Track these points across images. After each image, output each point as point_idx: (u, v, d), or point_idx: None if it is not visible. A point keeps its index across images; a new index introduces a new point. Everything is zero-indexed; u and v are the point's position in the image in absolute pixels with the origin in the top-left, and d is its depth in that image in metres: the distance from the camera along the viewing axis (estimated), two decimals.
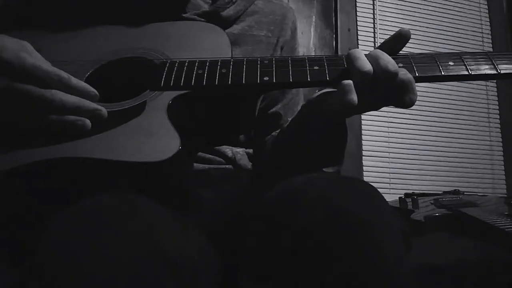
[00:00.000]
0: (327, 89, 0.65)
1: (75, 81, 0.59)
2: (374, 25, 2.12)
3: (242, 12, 0.83)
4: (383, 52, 0.59)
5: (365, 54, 0.60)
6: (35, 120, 0.57)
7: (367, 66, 0.58)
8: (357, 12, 2.12)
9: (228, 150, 0.79)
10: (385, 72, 0.57)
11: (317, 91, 0.67)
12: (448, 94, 2.15)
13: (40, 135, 0.57)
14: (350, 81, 0.58)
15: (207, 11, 0.79)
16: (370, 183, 0.55)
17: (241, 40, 0.81)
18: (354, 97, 0.57)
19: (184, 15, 0.78)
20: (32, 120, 0.57)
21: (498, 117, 2.21)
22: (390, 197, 1.68)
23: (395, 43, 0.63)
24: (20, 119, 0.57)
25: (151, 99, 0.62)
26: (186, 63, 0.65)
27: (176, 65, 0.65)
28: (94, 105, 0.59)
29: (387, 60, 0.58)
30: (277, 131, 0.84)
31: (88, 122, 0.57)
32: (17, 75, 0.55)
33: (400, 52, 0.64)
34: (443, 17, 2.23)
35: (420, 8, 2.21)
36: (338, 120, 0.68)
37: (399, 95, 0.58)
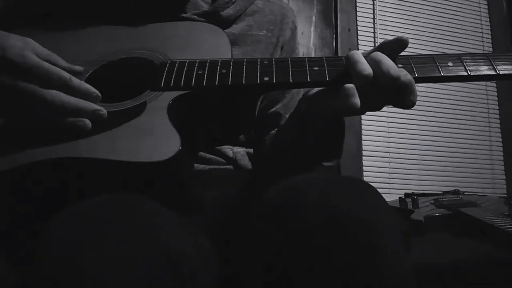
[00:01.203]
0: (320, 88, 0.65)
1: (76, 81, 0.59)
2: (374, 25, 2.12)
3: (241, 12, 0.83)
4: (384, 55, 0.59)
5: (365, 56, 0.60)
6: (34, 120, 0.57)
7: (368, 69, 0.58)
8: (357, 12, 2.12)
9: (228, 150, 0.79)
10: (387, 76, 0.57)
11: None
12: (448, 94, 2.15)
13: (40, 135, 0.57)
14: (353, 85, 0.58)
15: (207, 11, 0.79)
16: (370, 183, 0.55)
17: (241, 40, 0.81)
18: (357, 100, 0.57)
19: (183, 15, 0.78)
20: (32, 120, 0.57)
21: (498, 117, 2.21)
22: (390, 197, 1.69)
23: (394, 47, 0.63)
24: (20, 118, 0.58)
25: (151, 99, 0.62)
26: (186, 64, 0.65)
27: (176, 65, 0.65)
28: (94, 106, 0.59)
29: (389, 64, 0.58)
30: (275, 130, 0.84)
31: (88, 122, 0.57)
32: (19, 74, 0.55)
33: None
34: (443, 17, 2.23)
35: (420, 8, 2.21)
36: (337, 119, 0.68)
37: (399, 96, 0.58)
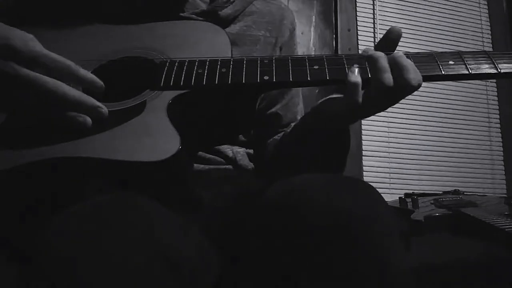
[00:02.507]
0: (332, 95, 0.65)
1: (83, 71, 0.59)
2: (374, 25, 2.12)
3: (240, 12, 0.83)
4: (411, 63, 0.59)
5: (389, 57, 0.60)
6: (34, 110, 0.57)
7: (391, 80, 0.58)
8: (357, 12, 2.12)
9: (228, 150, 0.79)
10: (407, 86, 0.58)
11: (316, 91, 0.67)
12: (448, 94, 2.15)
13: (40, 133, 0.57)
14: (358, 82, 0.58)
15: (205, 10, 0.79)
16: (370, 183, 0.55)
17: (239, 40, 0.81)
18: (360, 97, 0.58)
19: (182, 14, 0.78)
20: (32, 110, 0.57)
21: (498, 117, 2.21)
22: (390, 197, 1.68)
23: (389, 42, 0.63)
24: (21, 108, 0.57)
25: (151, 99, 0.62)
26: (186, 63, 0.65)
27: (176, 64, 0.65)
28: (96, 103, 0.58)
29: (414, 74, 0.58)
30: (279, 135, 0.84)
31: (88, 119, 0.57)
32: (24, 62, 0.55)
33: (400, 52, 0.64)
34: (443, 17, 2.23)
35: (420, 8, 2.21)
36: (343, 126, 0.68)
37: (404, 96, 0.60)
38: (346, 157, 0.72)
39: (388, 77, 0.58)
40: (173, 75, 0.64)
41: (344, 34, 2.04)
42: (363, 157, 1.98)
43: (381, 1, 2.17)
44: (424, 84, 0.60)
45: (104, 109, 0.59)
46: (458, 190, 1.36)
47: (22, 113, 0.58)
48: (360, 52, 2.07)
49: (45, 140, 0.57)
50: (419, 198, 1.23)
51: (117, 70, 0.69)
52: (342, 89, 0.65)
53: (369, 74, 0.60)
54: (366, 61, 0.61)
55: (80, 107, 0.57)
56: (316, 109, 0.68)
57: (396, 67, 0.59)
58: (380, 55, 0.60)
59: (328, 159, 0.71)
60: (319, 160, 0.71)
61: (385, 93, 0.59)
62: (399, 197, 1.27)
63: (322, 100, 0.67)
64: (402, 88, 0.58)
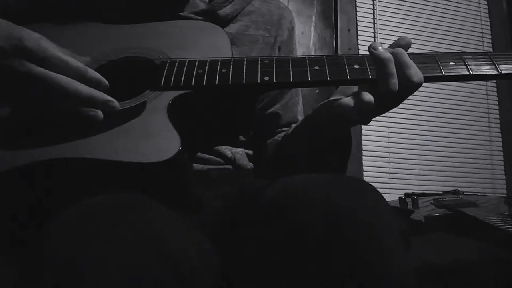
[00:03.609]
0: (333, 97, 0.65)
1: (90, 71, 0.60)
2: (374, 25, 2.12)
3: (238, 12, 0.83)
4: (412, 62, 0.60)
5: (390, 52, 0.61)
6: (47, 107, 0.57)
7: (396, 83, 0.59)
8: (357, 12, 2.12)
9: (227, 150, 0.79)
10: (409, 83, 0.59)
11: (316, 91, 0.68)
12: (448, 94, 2.15)
13: (41, 131, 0.57)
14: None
15: (204, 9, 0.79)
16: (370, 183, 0.55)
17: (238, 39, 0.81)
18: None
19: (181, 13, 0.78)
20: (45, 106, 0.57)
21: (498, 117, 2.21)
22: (390, 197, 1.68)
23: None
24: (34, 105, 0.58)
25: (151, 99, 0.62)
26: (186, 63, 0.65)
27: (176, 64, 0.65)
28: (107, 97, 0.59)
29: (416, 73, 0.59)
30: (279, 135, 0.84)
31: (100, 113, 0.58)
32: (36, 61, 0.56)
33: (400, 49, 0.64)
34: (443, 17, 2.23)
35: (420, 8, 2.21)
36: (346, 129, 0.68)
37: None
38: (347, 160, 0.72)
39: (395, 83, 0.59)
40: (173, 76, 0.64)
41: (344, 34, 2.04)
42: (363, 157, 1.98)
43: (381, 1, 2.17)
44: (424, 84, 0.60)
45: (115, 102, 0.59)
46: (458, 190, 1.36)
47: (36, 111, 0.58)
48: (360, 52, 2.07)
49: (45, 140, 0.57)
50: (419, 198, 1.23)
51: (117, 71, 0.69)
52: (342, 90, 0.65)
53: (370, 75, 0.61)
54: (374, 62, 0.61)
55: (92, 101, 0.58)
56: (318, 111, 0.68)
57: (397, 63, 0.59)
58: (390, 58, 0.60)
59: (330, 161, 0.71)
60: (321, 163, 0.71)
61: (391, 95, 0.59)
62: (399, 197, 1.27)
63: (324, 102, 0.66)
64: (405, 87, 0.58)
